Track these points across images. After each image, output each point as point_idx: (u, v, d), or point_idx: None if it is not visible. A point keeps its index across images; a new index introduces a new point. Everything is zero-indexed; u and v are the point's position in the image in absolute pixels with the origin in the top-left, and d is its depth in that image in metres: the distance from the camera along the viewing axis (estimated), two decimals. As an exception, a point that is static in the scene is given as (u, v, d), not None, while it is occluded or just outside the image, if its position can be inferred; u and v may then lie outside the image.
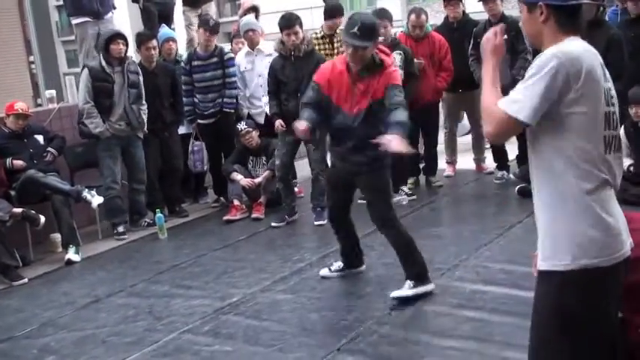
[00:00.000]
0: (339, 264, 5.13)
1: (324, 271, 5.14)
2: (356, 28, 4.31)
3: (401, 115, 4.40)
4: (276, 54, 6.95)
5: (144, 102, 6.77)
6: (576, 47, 2.30)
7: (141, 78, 6.76)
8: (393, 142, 4.14)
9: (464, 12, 7.51)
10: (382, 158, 4.59)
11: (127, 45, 6.67)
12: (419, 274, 4.61)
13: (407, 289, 4.55)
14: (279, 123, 6.33)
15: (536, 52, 2.44)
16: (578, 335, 2.30)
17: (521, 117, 2.25)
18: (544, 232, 2.37)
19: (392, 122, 4.33)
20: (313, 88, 4.68)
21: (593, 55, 2.33)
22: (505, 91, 2.38)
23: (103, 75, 6.58)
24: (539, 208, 2.38)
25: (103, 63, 6.59)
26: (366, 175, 4.69)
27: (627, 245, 2.34)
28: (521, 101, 2.26)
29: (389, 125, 4.32)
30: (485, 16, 7.16)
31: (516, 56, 6.75)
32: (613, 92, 2.39)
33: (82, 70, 6.75)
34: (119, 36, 6.65)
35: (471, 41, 7.12)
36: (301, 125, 4.50)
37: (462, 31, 7.39)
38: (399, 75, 4.72)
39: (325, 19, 7.17)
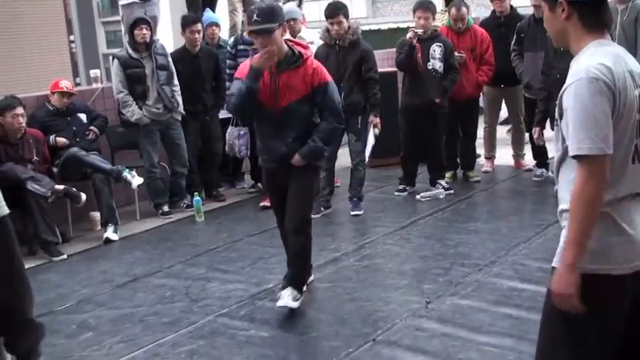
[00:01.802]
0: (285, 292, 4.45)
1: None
2: (255, 16, 4.09)
3: (322, 134, 4.32)
4: (317, 42, 6.97)
5: (176, 83, 6.81)
6: (605, 57, 2.19)
7: (169, 59, 6.80)
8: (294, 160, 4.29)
9: (511, 6, 7.43)
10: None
11: (151, 30, 6.72)
12: (303, 284, 4.53)
13: (294, 302, 4.35)
14: None
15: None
16: (581, 339, 2.26)
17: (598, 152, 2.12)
18: (564, 234, 2.31)
19: (310, 141, 4.30)
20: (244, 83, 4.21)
21: (622, 62, 2.23)
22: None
23: (133, 62, 6.65)
24: (562, 214, 2.33)
25: (130, 50, 6.65)
26: (294, 174, 4.40)
27: None
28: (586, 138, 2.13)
29: (311, 137, 4.30)
30: (530, 10, 7.08)
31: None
32: None
33: (113, 60, 6.83)
34: (142, 21, 6.71)
35: (515, 36, 7.06)
36: None
37: (507, 26, 7.32)
38: (324, 69, 4.36)
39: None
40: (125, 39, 7.51)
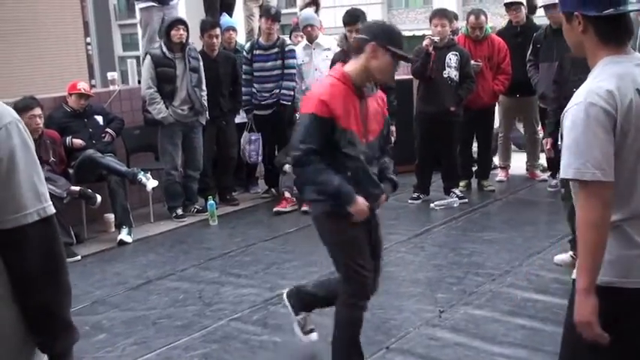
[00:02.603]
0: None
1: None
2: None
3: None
4: (334, 48, 6.99)
5: (204, 87, 6.84)
6: (610, 78, 2.17)
7: (201, 63, 6.84)
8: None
9: (528, 16, 7.41)
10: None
11: (187, 31, 6.74)
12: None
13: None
14: None
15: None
16: (601, 351, 2.23)
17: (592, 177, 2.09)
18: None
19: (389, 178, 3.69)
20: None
21: (632, 80, 2.18)
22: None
23: (165, 60, 6.67)
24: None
25: (164, 49, 6.68)
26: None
27: None
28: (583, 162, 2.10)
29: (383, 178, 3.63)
30: (546, 20, 7.06)
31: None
32: None
33: (145, 56, 6.86)
34: (180, 22, 6.75)
35: (531, 47, 7.04)
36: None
37: (524, 35, 7.30)
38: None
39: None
40: (142, 41, 7.56)
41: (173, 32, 6.65)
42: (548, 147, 6.09)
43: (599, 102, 2.12)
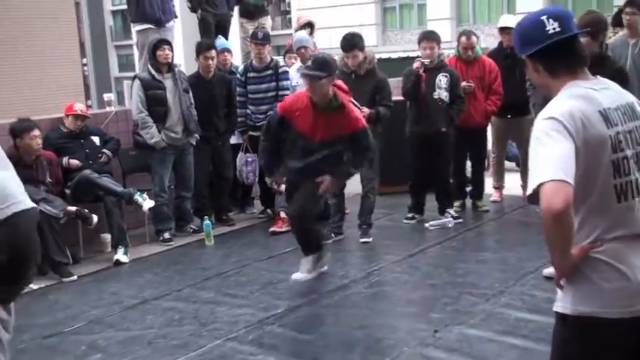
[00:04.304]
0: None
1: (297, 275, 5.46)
2: (311, 62, 5.11)
3: (357, 163, 5.45)
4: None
5: (194, 108, 6.89)
6: (568, 100, 2.22)
7: (188, 85, 6.89)
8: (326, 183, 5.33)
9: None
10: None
11: (172, 50, 6.80)
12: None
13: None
14: None
15: None
16: None
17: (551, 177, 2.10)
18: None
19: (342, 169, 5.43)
20: (276, 119, 5.48)
21: (594, 102, 2.23)
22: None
23: (154, 83, 6.70)
24: None
25: (152, 71, 6.72)
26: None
27: None
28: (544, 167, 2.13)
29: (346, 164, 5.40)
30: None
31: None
32: (634, 134, 2.26)
33: (134, 80, 6.88)
34: (164, 42, 6.79)
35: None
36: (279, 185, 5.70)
37: (514, 57, 7.37)
38: (360, 115, 5.38)
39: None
40: (139, 63, 7.62)
41: (159, 53, 6.69)
42: None
43: (556, 117, 2.17)
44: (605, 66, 5.47)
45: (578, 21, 5.50)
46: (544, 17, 2.28)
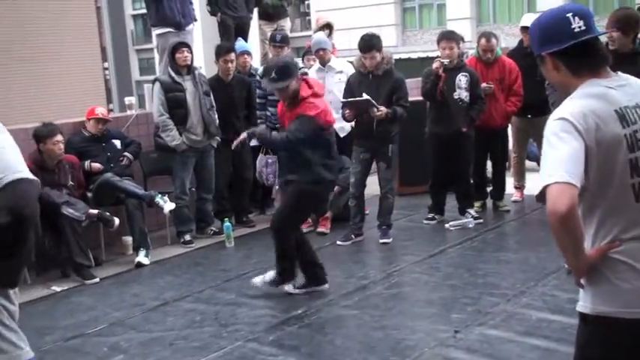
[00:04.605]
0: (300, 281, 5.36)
1: (289, 287, 5.35)
2: (273, 73, 5.01)
3: (277, 134, 5.37)
4: (346, 71, 7.06)
5: (215, 111, 6.93)
6: (582, 100, 2.19)
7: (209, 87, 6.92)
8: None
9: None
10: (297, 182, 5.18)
11: (191, 53, 6.84)
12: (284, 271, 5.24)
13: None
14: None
15: None
16: None
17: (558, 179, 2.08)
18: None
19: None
20: None
21: (609, 100, 2.19)
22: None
23: (174, 85, 6.74)
24: None
25: (172, 73, 6.76)
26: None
27: None
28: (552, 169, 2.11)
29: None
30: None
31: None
32: None
33: (154, 83, 6.93)
34: (183, 44, 6.83)
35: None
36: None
37: (534, 57, 7.30)
38: (311, 105, 5.11)
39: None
40: (160, 66, 7.67)
41: (178, 55, 6.73)
42: None
43: (568, 117, 2.15)
44: (636, 63, 5.44)
45: (610, 17, 5.47)
46: (569, 15, 2.23)
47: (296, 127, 5.07)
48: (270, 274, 5.28)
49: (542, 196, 2.12)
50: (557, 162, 2.11)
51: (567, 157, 2.10)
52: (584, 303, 2.29)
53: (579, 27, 2.21)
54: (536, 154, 8.12)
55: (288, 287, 5.30)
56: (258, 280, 5.32)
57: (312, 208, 5.91)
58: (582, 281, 2.28)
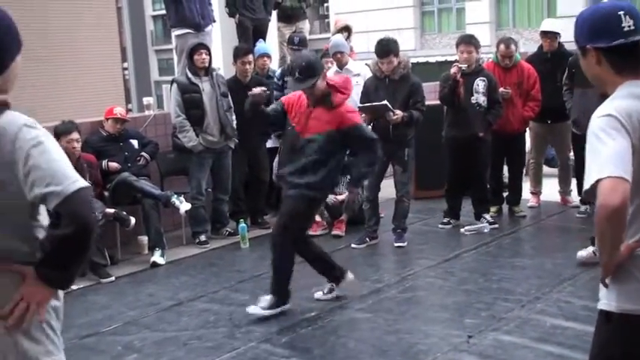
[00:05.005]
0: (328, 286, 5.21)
1: (318, 294, 5.21)
2: (297, 73, 4.81)
3: (362, 163, 5.03)
4: (364, 74, 7.06)
5: (233, 112, 6.95)
6: (625, 98, 2.20)
7: (227, 89, 6.94)
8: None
9: (559, 43, 7.42)
10: (308, 188, 4.91)
11: (210, 55, 6.86)
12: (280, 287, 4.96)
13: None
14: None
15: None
16: None
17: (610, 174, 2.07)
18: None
19: (353, 174, 5.15)
20: (277, 103, 5.28)
21: None
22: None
23: (191, 87, 6.77)
24: None
25: (190, 74, 6.80)
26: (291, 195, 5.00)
27: None
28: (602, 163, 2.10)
29: (350, 171, 5.19)
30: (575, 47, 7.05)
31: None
32: None
33: (172, 84, 6.97)
34: (202, 46, 6.86)
35: (566, 71, 7.04)
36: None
37: (554, 62, 7.30)
38: (354, 115, 5.04)
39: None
40: (178, 67, 7.72)
41: (196, 57, 6.77)
42: None
43: (613, 113, 2.15)
44: None
45: None
46: (621, 13, 2.24)
47: (368, 134, 5.11)
48: (265, 300, 4.90)
49: (592, 191, 2.10)
50: (608, 157, 2.10)
51: (617, 153, 2.10)
52: (609, 301, 2.27)
53: (629, 26, 2.23)
54: (555, 160, 8.07)
55: (317, 294, 5.19)
56: (252, 309, 4.87)
57: (314, 214, 5.55)
58: (607, 280, 2.27)
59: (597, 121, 2.18)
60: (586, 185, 2.13)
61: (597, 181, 2.08)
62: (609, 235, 2.14)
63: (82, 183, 2.13)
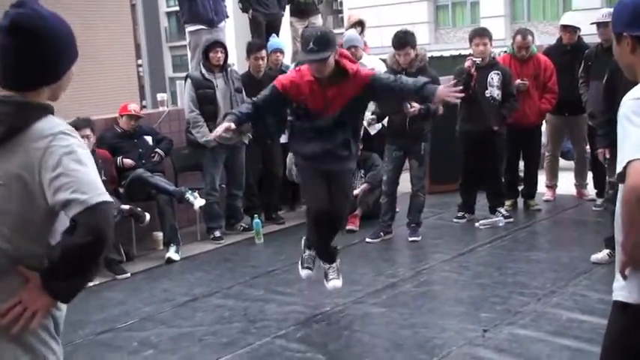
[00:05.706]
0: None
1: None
2: (312, 44, 4.42)
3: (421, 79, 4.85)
4: (378, 68, 7.02)
5: None
6: None
7: (242, 85, 6.95)
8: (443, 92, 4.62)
9: (579, 36, 7.36)
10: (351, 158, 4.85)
11: (225, 53, 6.87)
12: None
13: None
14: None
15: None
16: None
17: None
18: (618, 261, 2.28)
19: (420, 84, 4.67)
20: (271, 89, 4.77)
21: None
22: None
23: (205, 82, 6.78)
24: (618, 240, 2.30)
25: (204, 70, 6.80)
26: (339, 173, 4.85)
27: None
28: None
29: (418, 89, 4.65)
30: (596, 39, 7.00)
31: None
32: None
33: (186, 80, 6.98)
34: (218, 44, 6.87)
35: (582, 64, 6.99)
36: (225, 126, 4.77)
37: (573, 54, 7.25)
38: (369, 70, 4.91)
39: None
40: (192, 63, 7.73)
41: (211, 55, 6.78)
42: (602, 158, 5.83)
43: None
44: None
45: None
46: None
47: (388, 75, 4.89)
48: (333, 269, 4.90)
49: (623, 175, 2.07)
50: (633, 139, 2.06)
51: None
52: (627, 292, 2.25)
53: None
54: (572, 153, 8.01)
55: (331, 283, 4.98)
56: (332, 283, 4.86)
57: None
58: (627, 271, 2.24)
59: (628, 104, 2.15)
60: (618, 168, 2.10)
61: (629, 163, 2.05)
62: (638, 219, 2.08)
63: (107, 197, 2.12)
